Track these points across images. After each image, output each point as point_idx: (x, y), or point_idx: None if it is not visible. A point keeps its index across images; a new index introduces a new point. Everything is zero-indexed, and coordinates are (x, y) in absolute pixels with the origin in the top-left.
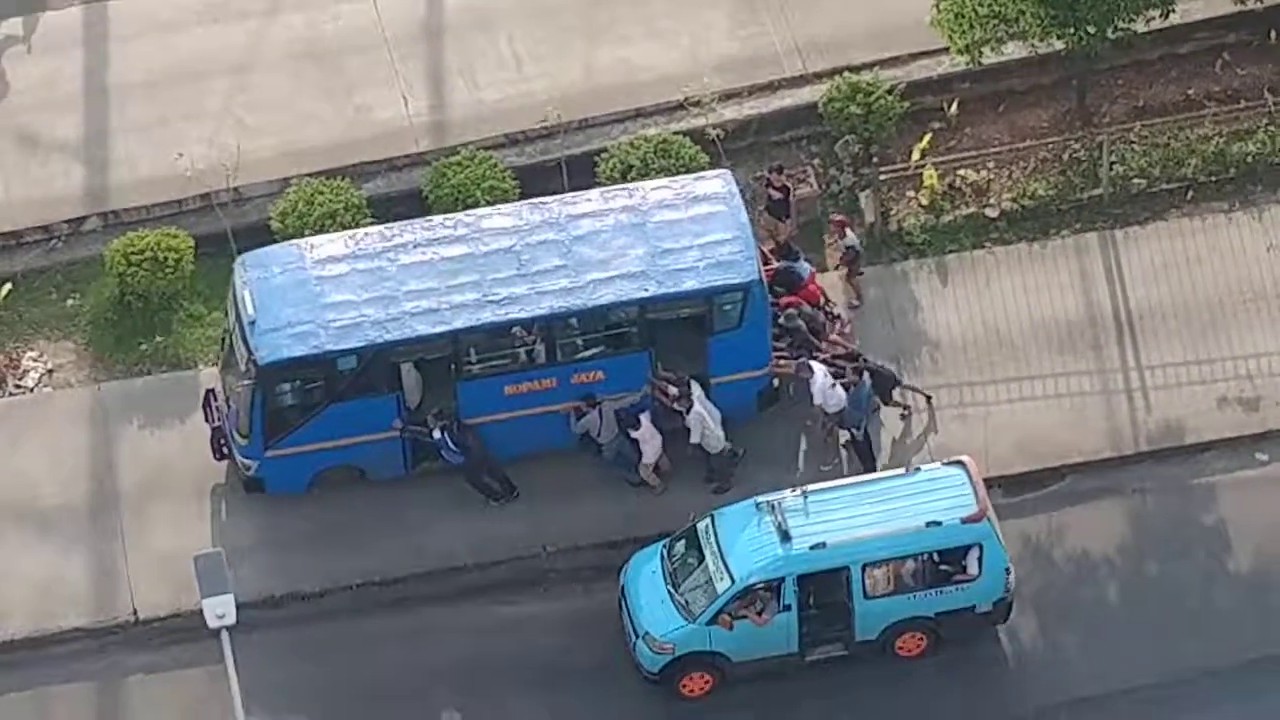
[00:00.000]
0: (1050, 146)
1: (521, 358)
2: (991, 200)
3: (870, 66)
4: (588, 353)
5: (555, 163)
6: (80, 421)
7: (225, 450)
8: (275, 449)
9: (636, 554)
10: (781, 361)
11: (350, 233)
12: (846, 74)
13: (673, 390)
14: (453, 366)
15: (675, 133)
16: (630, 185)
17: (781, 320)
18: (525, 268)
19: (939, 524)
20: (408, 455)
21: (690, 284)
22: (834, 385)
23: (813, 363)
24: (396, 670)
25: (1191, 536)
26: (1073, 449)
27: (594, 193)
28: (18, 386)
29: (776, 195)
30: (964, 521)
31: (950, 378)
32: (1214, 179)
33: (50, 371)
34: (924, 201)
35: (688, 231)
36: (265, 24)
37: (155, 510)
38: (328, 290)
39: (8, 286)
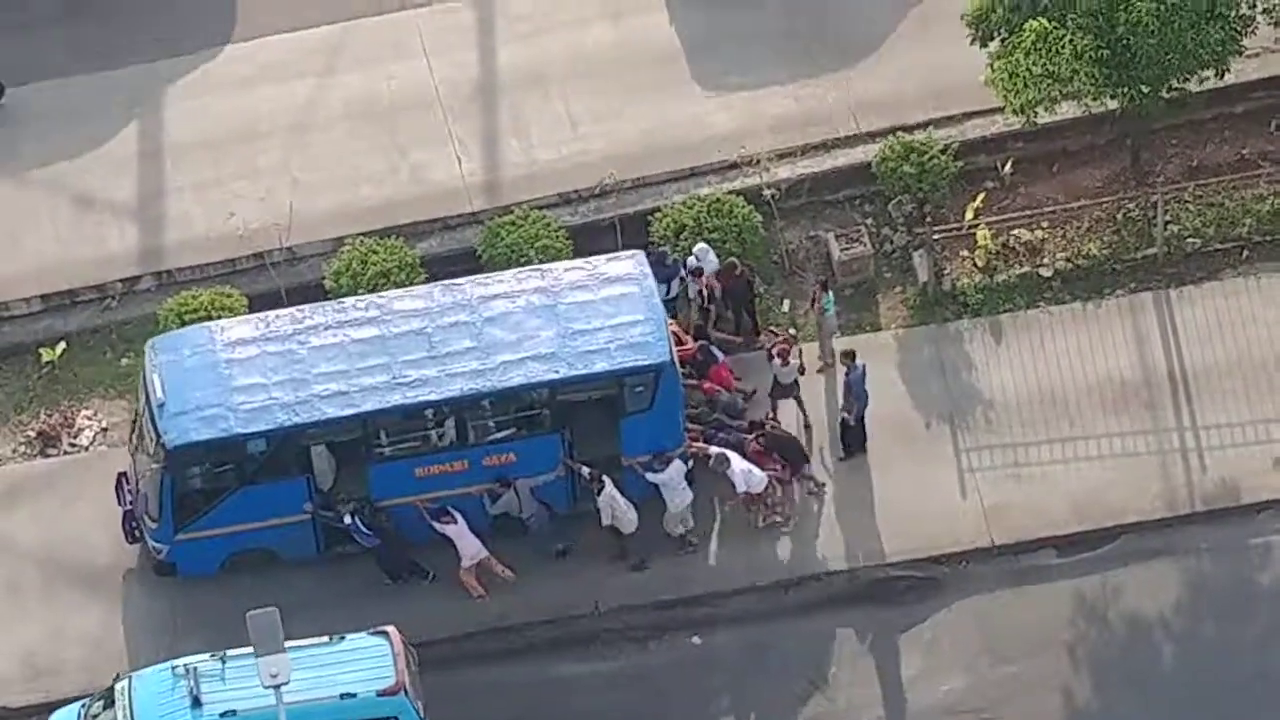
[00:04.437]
0: (1104, 206)
1: (432, 440)
2: (1046, 260)
3: (924, 126)
4: (499, 434)
5: (609, 222)
6: None
7: (137, 533)
8: (185, 533)
9: (57, 712)
10: (696, 445)
11: (261, 315)
12: (900, 133)
13: (585, 470)
14: (364, 449)
15: (729, 192)
16: (543, 266)
17: (698, 411)
18: (436, 349)
19: (354, 695)
20: (319, 538)
21: (601, 365)
22: (750, 470)
23: (728, 452)
24: None
25: (1248, 597)
26: (1127, 509)
27: (506, 274)
28: (72, 445)
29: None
30: (380, 694)
31: (1005, 437)
32: (1268, 239)
33: (104, 430)
34: (978, 261)
35: (599, 313)
36: (321, 84)
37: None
38: (237, 373)
39: (62, 345)
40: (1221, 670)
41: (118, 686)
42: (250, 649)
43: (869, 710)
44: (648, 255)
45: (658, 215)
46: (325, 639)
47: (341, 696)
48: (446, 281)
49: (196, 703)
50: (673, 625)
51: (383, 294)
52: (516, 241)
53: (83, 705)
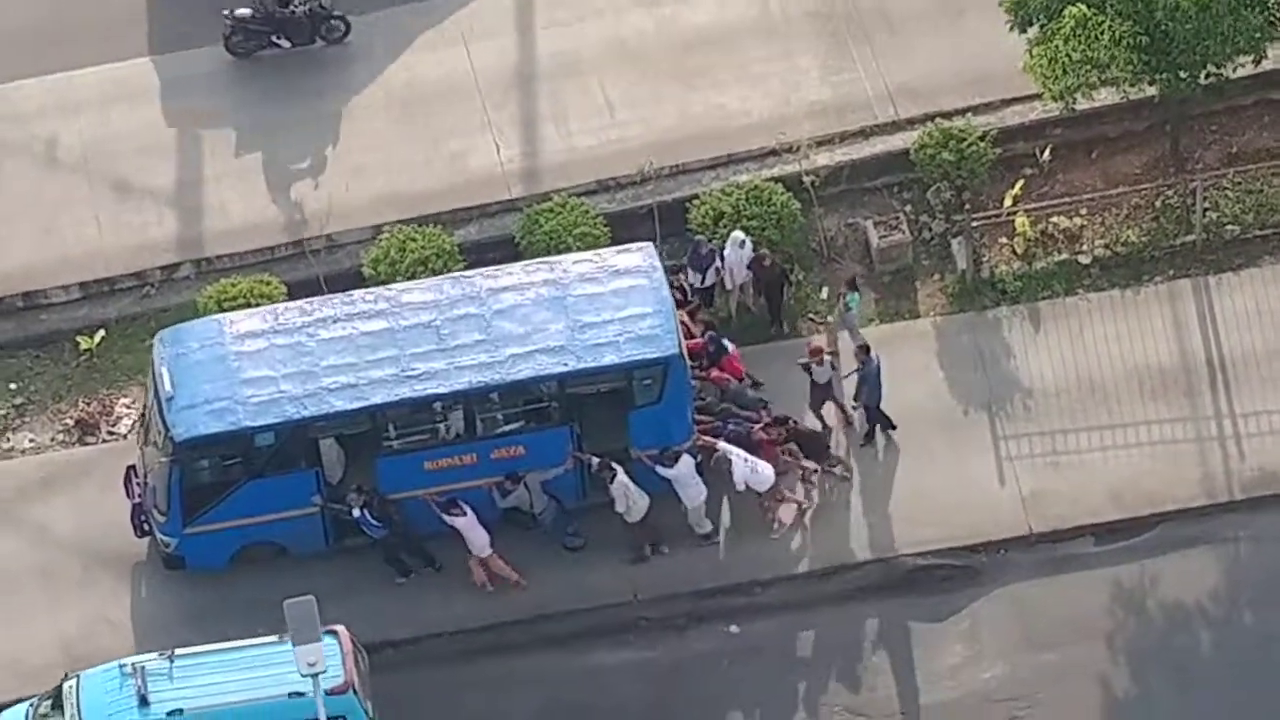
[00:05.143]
0: (1143, 193)
1: (441, 433)
2: (1084, 247)
3: (962, 113)
4: (507, 427)
5: (647, 209)
6: None
7: (146, 527)
8: (194, 526)
9: (5, 712)
10: (704, 439)
11: (270, 307)
12: (939, 120)
13: (594, 460)
14: (373, 441)
15: (767, 179)
16: (552, 259)
17: (707, 402)
18: (444, 342)
19: (302, 695)
20: (328, 531)
21: (610, 358)
22: (754, 468)
23: (729, 452)
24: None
25: None
26: (1166, 497)
27: (515, 266)
28: (111, 433)
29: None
30: (329, 693)
31: (1043, 425)
32: None
33: (143, 418)
34: (1017, 248)
35: (608, 305)
36: (359, 71)
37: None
38: (246, 366)
39: (101, 333)
40: (1260, 658)
41: (65, 685)
42: (200, 648)
43: (907, 699)
44: (686, 243)
45: (696, 202)
46: (274, 638)
47: (290, 695)
48: (455, 274)
49: (144, 702)
50: (710, 614)
51: (391, 286)
52: (555, 229)
53: (31, 704)
